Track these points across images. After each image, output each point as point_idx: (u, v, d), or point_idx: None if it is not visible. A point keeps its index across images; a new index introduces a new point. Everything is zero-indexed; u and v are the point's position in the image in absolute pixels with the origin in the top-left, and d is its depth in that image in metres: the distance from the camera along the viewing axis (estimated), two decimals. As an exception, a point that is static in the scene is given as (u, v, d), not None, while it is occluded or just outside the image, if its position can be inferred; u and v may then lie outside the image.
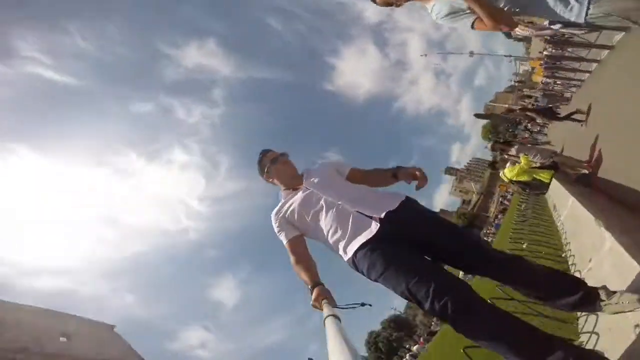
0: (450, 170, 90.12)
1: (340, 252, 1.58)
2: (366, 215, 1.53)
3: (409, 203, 1.59)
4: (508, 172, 6.73)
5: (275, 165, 1.94)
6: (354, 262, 1.51)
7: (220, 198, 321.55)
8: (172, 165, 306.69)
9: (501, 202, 36.70)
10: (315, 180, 1.81)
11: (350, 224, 1.56)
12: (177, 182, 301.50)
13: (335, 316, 0.93)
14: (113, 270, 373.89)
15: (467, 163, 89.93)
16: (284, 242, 1.78)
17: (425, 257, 1.44)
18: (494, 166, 13.74)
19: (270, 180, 1.99)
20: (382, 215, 1.49)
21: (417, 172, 1.76)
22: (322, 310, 1.15)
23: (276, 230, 1.83)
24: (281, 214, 1.81)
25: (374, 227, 1.48)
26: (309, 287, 1.50)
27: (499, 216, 31.64)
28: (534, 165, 6.21)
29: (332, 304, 1.28)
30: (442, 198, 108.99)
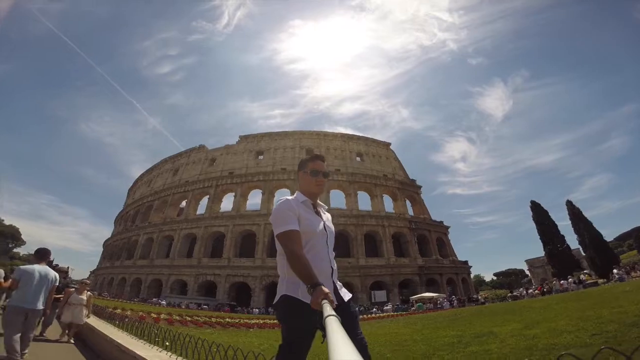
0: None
1: (297, 283, 1.73)
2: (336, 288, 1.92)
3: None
4: None
5: (318, 178, 2.10)
6: (298, 302, 1.75)
7: (471, 6, 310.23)
8: None
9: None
10: (332, 229, 2.11)
11: (329, 280, 1.88)
12: (419, 2, 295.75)
13: (336, 316, 0.97)
14: (389, 89, 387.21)
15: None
16: (294, 228, 1.82)
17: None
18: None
19: (301, 181, 2.16)
20: (345, 300, 1.92)
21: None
22: (321, 310, 1.20)
23: (291, 215, 1.87)
24: (297, 208, 1.94)
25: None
26: (308, 285, 1.55)
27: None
28: None
29: (332, 304, 1.33)
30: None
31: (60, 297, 7.50)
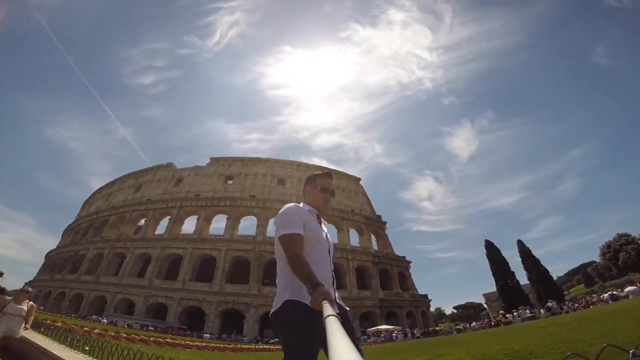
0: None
1: (305, 293, 1.66)
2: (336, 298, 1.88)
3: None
4: None
5: (326, 195, 2.22)
6: (304, 307, 1.67)
7: (451, 45, 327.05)
8: (393, 26, 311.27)
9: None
10: (331, 242, 2.18)
11: (330, 287, 1.85)
12: (403, 39, 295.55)
13: (336, 315, 0.98)
14: (366, 123, 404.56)
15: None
16: (299, 232, 1.88)
17: None
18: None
19: (309, 195, 2.25)
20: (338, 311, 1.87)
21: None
22: (321, 310, 1.20)
23: (298, 218, 1.95)
24: (305, 217, 1.99)
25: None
26: (309, 285, 1.56)
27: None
28: None
29: (333, 304, 1.35)
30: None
31: None
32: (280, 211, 2.02)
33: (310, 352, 1.65)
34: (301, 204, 2.14)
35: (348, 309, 2.05)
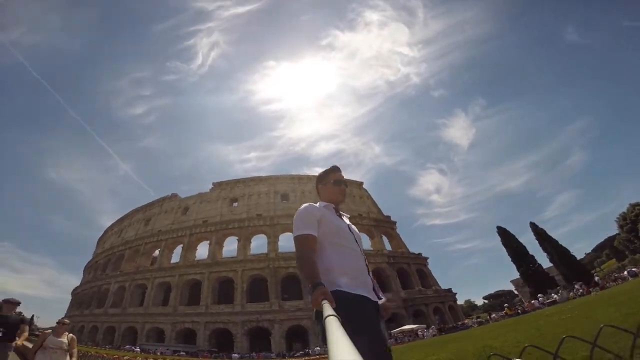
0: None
1: (336, 279, 1.73)
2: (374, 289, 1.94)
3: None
4: None
5: (341, 187, 2.24)
6: (344, 296, 1.67)
7: (428, 40, 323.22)
8: (371, 27, 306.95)
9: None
10: (358, 232, 2.16)
11: (366, 275, 1.91)
12: (382, 38, 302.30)
13: (336, 315, 0.97)
14: (361, 126, 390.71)
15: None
16: (312, 233, 1.88)
17: None
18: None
19: (323, 192, 2.27)
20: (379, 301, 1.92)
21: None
22: (321, 310, 1.20)
23: (311, 218, 1.95)
24: (319, 214, 1.99)
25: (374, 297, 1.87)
26: (310, 285, 1.59)
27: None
28: None
29: (332, 304, 1.33)
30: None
31: (16, 342, 6.03)
32: (297, 211, 2.05)
33: (376, 335, 1.70)
34: (317, 203, 2.16)
35: (383, 299, 2.00)
